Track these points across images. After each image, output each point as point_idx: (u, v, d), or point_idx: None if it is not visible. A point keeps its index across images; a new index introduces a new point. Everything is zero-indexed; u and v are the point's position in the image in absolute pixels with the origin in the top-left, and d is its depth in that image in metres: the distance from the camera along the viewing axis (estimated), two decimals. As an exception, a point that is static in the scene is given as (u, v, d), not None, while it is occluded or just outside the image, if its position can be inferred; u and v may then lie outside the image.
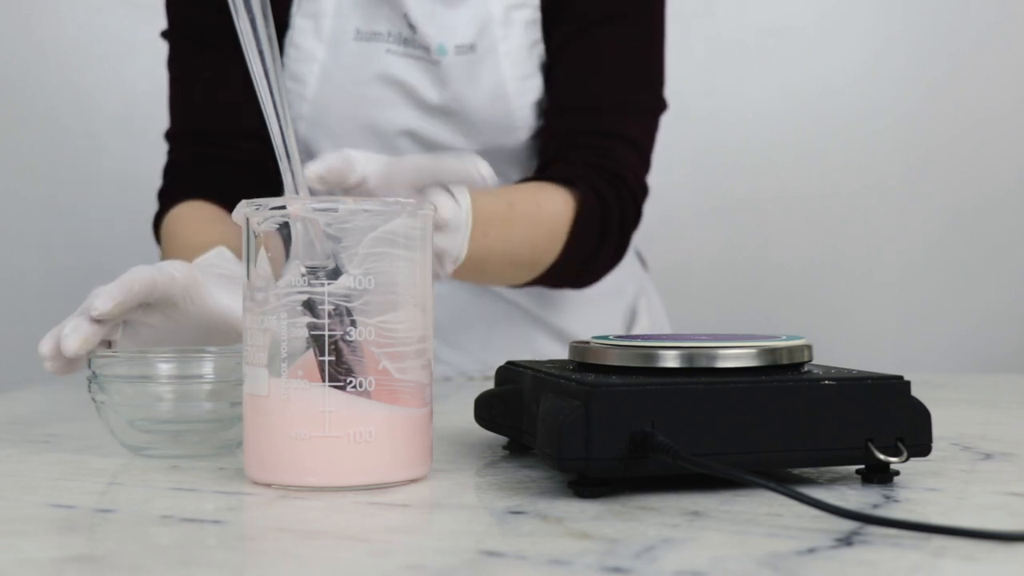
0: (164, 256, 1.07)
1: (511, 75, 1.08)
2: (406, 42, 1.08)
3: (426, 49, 1.07)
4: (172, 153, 1.14)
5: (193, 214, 1.04)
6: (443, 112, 1.09)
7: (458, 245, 0.81)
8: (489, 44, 1.08)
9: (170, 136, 1.14)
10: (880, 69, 1.98)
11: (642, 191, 1.10)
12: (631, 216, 1.08)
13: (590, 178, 1.04)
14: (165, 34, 1.14)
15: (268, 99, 0.59)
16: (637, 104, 1.11)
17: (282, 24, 1.09)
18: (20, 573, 0.42)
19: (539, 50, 1.10)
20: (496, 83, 1.08)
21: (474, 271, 0.94)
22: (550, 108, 1.10)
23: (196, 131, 1.12)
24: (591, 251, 1.05)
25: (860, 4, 1.99)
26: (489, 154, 1.08)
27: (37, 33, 1.83)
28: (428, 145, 1.09)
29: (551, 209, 1.00)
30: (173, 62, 1.14)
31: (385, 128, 1.09)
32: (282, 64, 1.08)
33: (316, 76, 1.08)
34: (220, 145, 1.10)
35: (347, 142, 1.10)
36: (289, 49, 1.09)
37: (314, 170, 0.70)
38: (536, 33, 1.10)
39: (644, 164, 1.11)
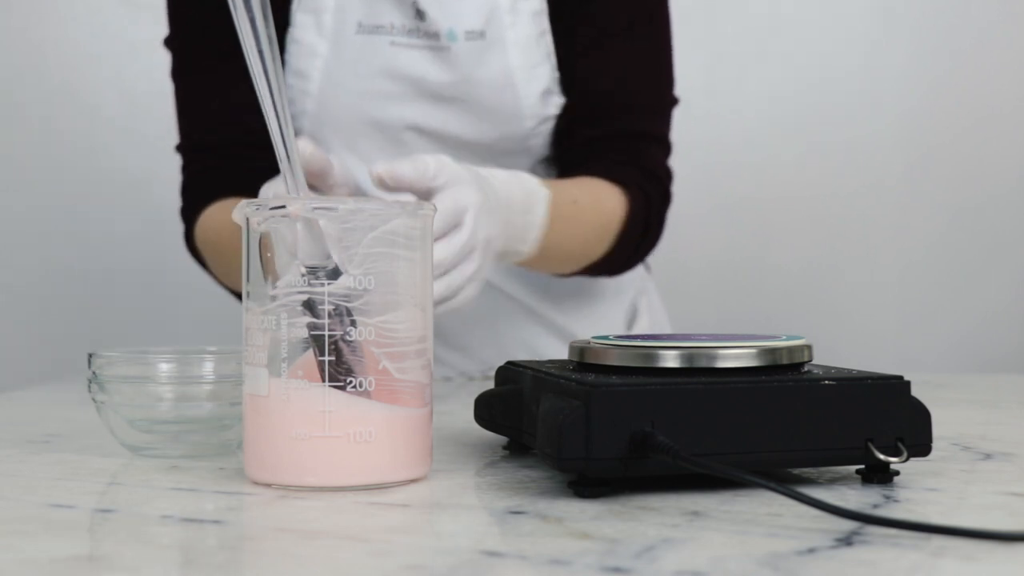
0: (212, 259, 1.06)
1: (519, 64, 1.08)
2: (412, 31, 1.07)
3: (435, 35, 1.07)
4: (188, 169, 1.11)
5: (225, 205, 1.02)
6: (450, 101, 1.08)
7: (529, 241, 0.84)
8: (497, 31, 1.08)
9: (183, 150, 1.11)
10: (881, 68, 1.97)
11: (670, 181, 1.15)
12: (666, 209, 1.14)
13: (639, 179, 1.09)
14: (168, 42, 1.11)
15: (268, 100, 0.59)
16: (659, 103, 1.15)
17: (283, 21, 1.08)
18: (20, 573, 0.42)
19: (546, 40, 1.10)
20: (504, 71, 1.08)
21: (527, 263, 0.98)
22: (574, 110, 1.11)
23: (211, 143, 1.09)
24: (634, 247, 1.11)
25: (861, 3, 1.98)
26: (495, 143, 1.09)
27: (37, 33, 1.83)
28: (435, 137, 1.09)
29: (609, 207, 1.06)
30: (179, 71, 1.10)
31: (391, 122, 1.08)
32: (284, 61, 1.08)
33: (319, 71, 1.07)
34: (238, 155, 1.06)
35: (353, 137, 1.09)
36: (291, 46, 1.07)
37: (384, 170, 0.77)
38: (543, 23, 1.10)
39: (668, 155, 1.16)
